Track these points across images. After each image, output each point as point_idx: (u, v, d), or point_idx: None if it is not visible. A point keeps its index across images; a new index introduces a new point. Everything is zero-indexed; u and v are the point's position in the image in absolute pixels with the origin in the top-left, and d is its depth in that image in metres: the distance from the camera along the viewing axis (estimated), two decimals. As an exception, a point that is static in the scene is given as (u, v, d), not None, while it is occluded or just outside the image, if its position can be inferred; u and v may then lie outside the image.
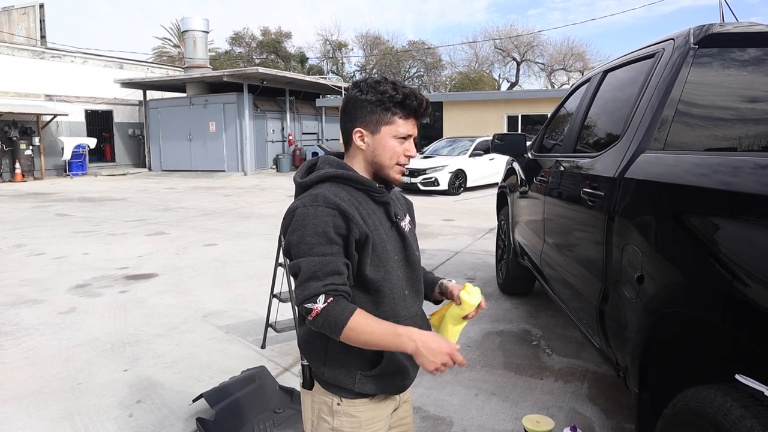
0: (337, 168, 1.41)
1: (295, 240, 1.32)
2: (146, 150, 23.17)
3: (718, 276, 1.45)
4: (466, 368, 3.42)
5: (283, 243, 1.40)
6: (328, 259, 1.29)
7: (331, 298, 1.28)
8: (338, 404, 1.42)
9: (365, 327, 1.28)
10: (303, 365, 1.48)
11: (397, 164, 1.43)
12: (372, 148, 1.41)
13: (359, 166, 1.44)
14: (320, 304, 1.27)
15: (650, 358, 1.86)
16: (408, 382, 1.49)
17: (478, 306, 1.49)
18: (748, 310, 1.33)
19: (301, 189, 1.42)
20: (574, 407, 2.93)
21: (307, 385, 1.47)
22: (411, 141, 1.44)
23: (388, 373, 1.42)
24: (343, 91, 22.77)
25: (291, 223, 1.33)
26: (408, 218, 1.55)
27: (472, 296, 1.47)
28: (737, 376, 1.38)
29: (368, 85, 1.39)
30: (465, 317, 1.50)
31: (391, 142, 1.40)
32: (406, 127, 1.40)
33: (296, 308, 1.34)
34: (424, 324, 1.54)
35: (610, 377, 3.23)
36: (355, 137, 1.42)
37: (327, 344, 1.39)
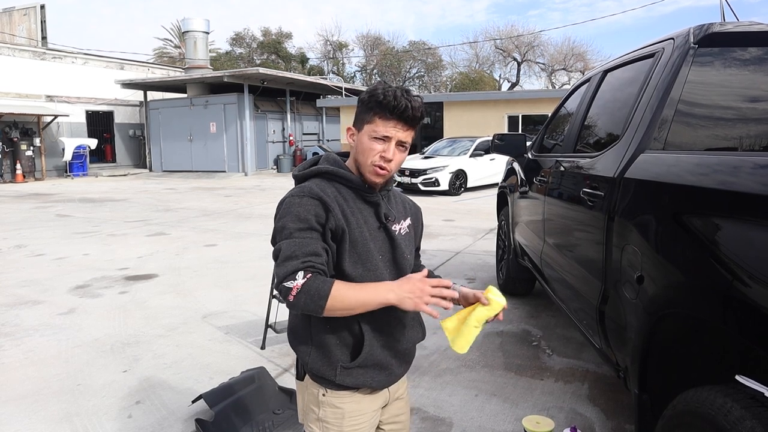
0: (331, 165, 1.46)
1: (279, 225, 1.38)
2: (147, 151, 23.19)
3: (718, 276, 1.44)
4: (466, 369, 3.41)
5: None
6: (306, 241, 1.34)
7: (310, 274, 1.29)
8: (323, 395, 1.45)
9: (347, 293, 1.30)
10: (297, 357, 1.52)
11: (372, 164, 1.41)
12: (356, 145, 1.46)
13: (351, 164, 1.48)
14: (299, 280, 1.28)
15: (650, 358, 1.85)
16: (392, 378, 1.50)
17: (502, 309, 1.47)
18: (748, 310, 1.32)
19: (296, 181, 1.50)
20: (574, 408, 2.92)
21: (300, 375, 1.52)
22: (391, 144, 1.40)
23: (368, 367, 1.44)
24: (344, 92, 22.77)
25: (279, 211, 1.40)
26: (407, 222, 1.57)
27: (499, 297, 1.46)
28: (737, 377, 1.38)
29: (372, 88, 1.44)
30: (487, 321, 1.47)
31: (368, 141, 1.40)
32: (384, 127, 1.39)
33: (276, 290, 1.34)
34: (416, 327, 1.57)
35: (610, 378, 3.22)
36: (348, 134, 1.49)
37: (311, 336, 1.43)
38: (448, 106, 20.05)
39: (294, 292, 1.27)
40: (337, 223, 1.36)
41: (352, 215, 1.40)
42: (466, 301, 1.52)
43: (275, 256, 1.36)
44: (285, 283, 1.29)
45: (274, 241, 1.40)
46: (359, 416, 1.47)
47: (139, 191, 15.09)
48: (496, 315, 1.46)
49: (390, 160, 1.41)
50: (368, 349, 1.42)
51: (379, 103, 1.39)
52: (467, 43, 39.10)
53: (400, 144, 1.42)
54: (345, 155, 1.54)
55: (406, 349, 1.53)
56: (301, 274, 1.28)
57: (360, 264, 1.40)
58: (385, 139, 1.40)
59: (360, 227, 1.41)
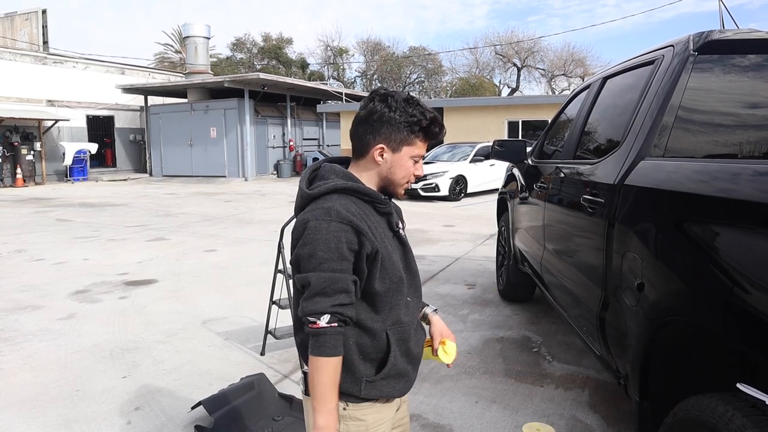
0: (346, 179, 1.41)
1: (305, 254, 1.32)
2: (147, 155, 23.21)
3: (718, 284, 1.44)
4: (466, 375, 3.40)
5: (290, 254, 1.41)
6: (337, 276, 1.31)
7: (335, 324, 1.31)
8: (344, 409, 1.43)
9: (328, 376, 1.32)
10: (305, 372, 1.48)
11: (408, 182, 1.49)
12: (389, 165, 1.44)
13: (368, 178, 1.45)
14: (323, 323, 1.30)
15: (651, 365, 1.85)
16: (409, 385, 1.52)
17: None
18: (748, 318, 1.32)
19: (309, 200, 1.40)
20: (574, 415, 2.91)
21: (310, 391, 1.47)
22: (421, 161, 1.49)
23: (391, 377, 1.44)
24: (344, 97, 22.82)
25: (302, 236, 1.33)
26: (401, 224, 1.58)
27: (447, 356, 1.63)
28: (738, 385, 1.37)
29: (397, 102, 1.40)
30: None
31: (408, 162, 1.45)
32: (422, 149, 1.47)
33: (297, 315, 1.35)
34: (421, 330, 1.59)
35: (611, 385, 3.21)
36: (375, 153, 1.43)
37: None
38: (448, 111, 20.08)
39: (312, 327, 1.31)
40: (373, 246, 1.34)
41: (376, 230, 1.38)
42: (431, 334, 1.67)
43: (302, 286, 1.34)
44: (309, 317, 1.32)
45: (297, 267, 1.36)
46: (381, 425, 1.47)
47: (139, 196, 15.10)
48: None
49: (419, 176, 1.51)
50: (393, 360, 1.42)
51: (425, 129, 1.42)
52: (467, 48, 39.33)
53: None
54: (341, 161, 1.51)
55: (418, 353, 1.54)
56: (326, 318, 1.30)
57: (388, 278, 1.40)
58: (420, 158, 1.48)
59: (383, 241, 1.40)
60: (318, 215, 1.32)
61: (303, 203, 1.41)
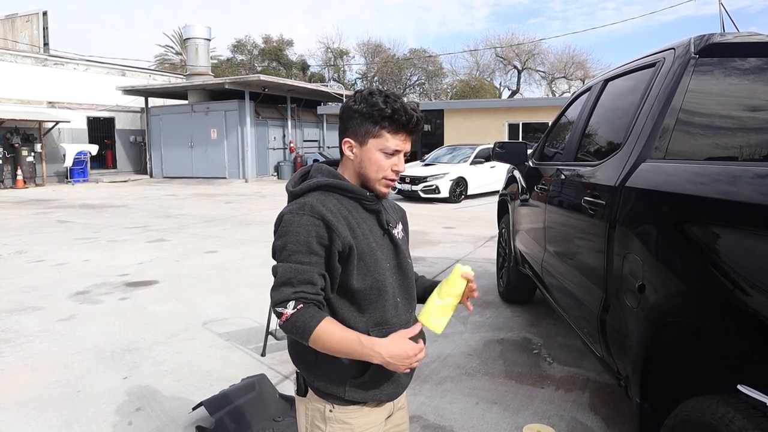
0: (328, 177, 1.42)
1: (278, 245, 1.35)
2: (148, 157, 23.22)
3: (719, 285, 1.45)
4: (466, 377, 3.41)
5: None
6: (304, 267, 1.32)
7: (301, 305, 1.31)
8: (330, 411, 1.43)
9: (331, 335, 1.31)
10: (297, 372, 1.50)
11: (384, 178, 1.42)
12: (359, 159, 1.42)
13: (350, 175, 1.45)
14: (289, 309, 1.30)
15: (652, 367, 1.85)
16: (400, 389, 1.50)
17: (468, 288, 1.52)
18: (749, 319, 1.33)
19: (292, 197, 1.44)
20: (575, 416, 2.92)
21: (301, 392, 1.49)
22: (400, 156, 1.43)
23: (377, 381, 1.42)
24: (345, 99, 22.83)
25: (278, 228, 1.37)
26: (401, 226, 1.56)
27: (462, 270, 1.49)
28: (739, 387, 1.38)
29: (362, 96, 1.39)
30: (453, 299, 1.49)
31: (377, 156, 1.40)
32: (394, 141, 1.39)
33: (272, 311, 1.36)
34: (419, 334, 1.53)
35: (611, 386, 3.22)
36: (345, 147, 1.43)
37: (316, 353, 1.40)
38: (449, 113, 20.11)
39: (283, 319, 1.31)
40: (344, 242, 1.33)
41: (358, 227, 1.38)
42: None
43: (273, 276, 1.36)
44: (277, 308, 1.32)
45: (274, 257, 1.38)
46: (368, 430, 1.45)
47: (139, 197, 15.10)
48: (467, 286, 1.51)
49: (400, 172, 1.44)
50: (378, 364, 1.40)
51: (388, 118, 1.36)
52: (468, 50, 39.26)
53: (405, 153, 1.44)
54: (335, 163, 1.51)
55: None
56: (291, 304, 1.30)
57: (369, 275, 1.38)
58: (395, 153, 1.41)
59: (366, 238, 1.39)
60: (293, 209, 1.35)
61: (289, 201, 1.45)
